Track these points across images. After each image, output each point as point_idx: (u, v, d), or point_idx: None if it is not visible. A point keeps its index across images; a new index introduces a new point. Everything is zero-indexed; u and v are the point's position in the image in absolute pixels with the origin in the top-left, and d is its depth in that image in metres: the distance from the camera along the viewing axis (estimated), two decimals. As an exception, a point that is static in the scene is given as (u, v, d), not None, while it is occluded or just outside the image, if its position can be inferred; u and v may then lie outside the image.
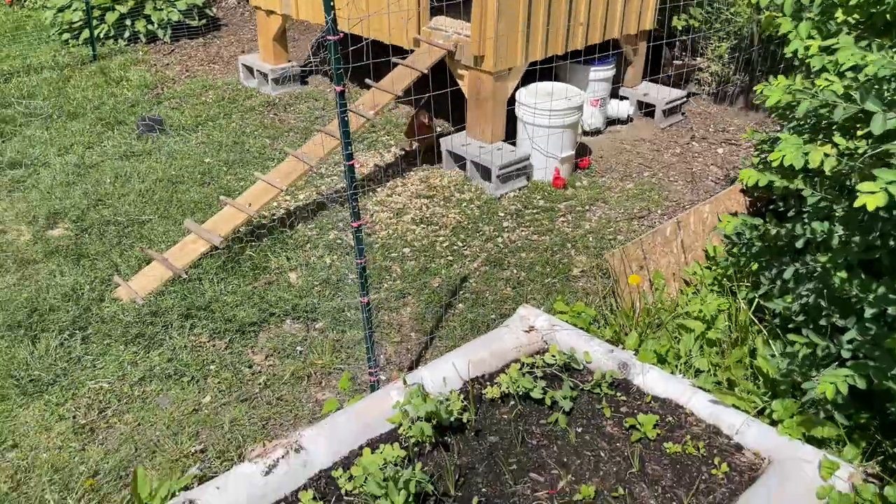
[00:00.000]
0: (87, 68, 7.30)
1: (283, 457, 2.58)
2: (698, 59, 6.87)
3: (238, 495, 2.44)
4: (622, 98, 5.98)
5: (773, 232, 3.00)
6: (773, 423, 2.79)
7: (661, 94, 5.87)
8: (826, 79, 2.63)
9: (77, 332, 3.59)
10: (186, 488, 2.52)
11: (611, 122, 5.96)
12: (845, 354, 2.53)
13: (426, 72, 4.77)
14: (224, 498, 2.41)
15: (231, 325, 3.63)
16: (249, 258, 4.18)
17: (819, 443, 2.69)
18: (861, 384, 2.35)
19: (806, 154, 2.58)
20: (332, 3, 2.30)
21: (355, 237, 2.73)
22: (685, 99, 5.99)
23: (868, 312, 2.50)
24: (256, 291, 3.91)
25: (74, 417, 3.10)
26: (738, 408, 2.85)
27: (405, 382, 2.87)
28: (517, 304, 3.80)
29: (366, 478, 2.41)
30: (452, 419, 2.76)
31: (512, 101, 5.05)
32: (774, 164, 2.68)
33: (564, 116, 4.83)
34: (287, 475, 2.56)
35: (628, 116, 5.90)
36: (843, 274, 2.64)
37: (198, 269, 4.02)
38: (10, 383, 3.26)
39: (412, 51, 5.12)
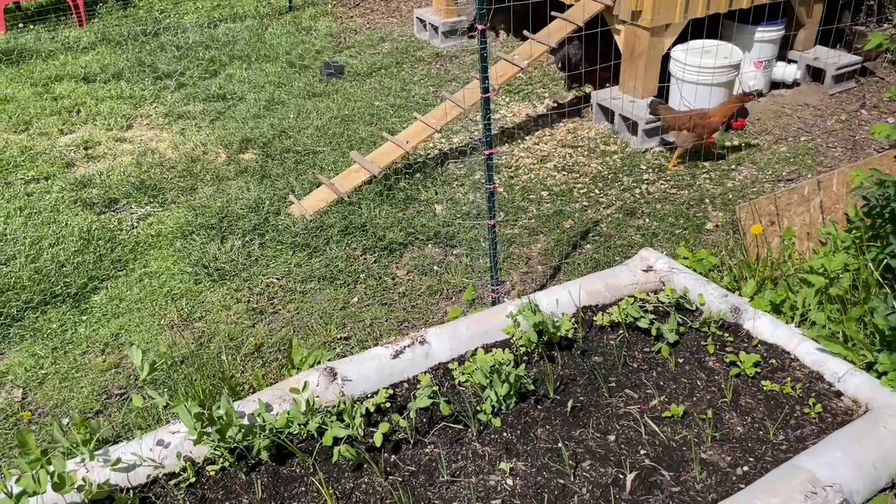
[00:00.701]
0: (282, 18, 8.12)
1: (409, 346, 3.01)
2: (885, 25, 6.44)
3: (369, 370, 2.90)
4: (790, 61, 5.79)
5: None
6: (880, 377, 2.82)
7: (831, 59, 5.62)
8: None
9: (256, 237, 4.24)
10: (330, 361, 3.01)
11: (776, 85, 5.80)
12: (958, 311, 2.52)
13: (582, 25, 4.95)
14: (357, 370, 2.88)
15: (381, 243, 4.12)
16: (403, 189, 4.65)
17: (924, 399, 2.69)
18: (964, 337, 2.36)
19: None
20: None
21: (486, 164, 3.06)
22: (860, 65, 5.68)
23: None
24: (406, 217, 4.37)
25: (248, 302, 3.73)
26: (844, 357, 2.90)
27: (519, 297, 3.18)
28: (644, 249, 3.96)
29: (475, 370, 2.77)
30: (560, 335, 3.05)
31: (667, 59, 5.10)
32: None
33: (718, 75, 4.82)
34: (411, 361, 2.99)
35: (794, 80, 5.70)
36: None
37: (358, 195, 4.55)
38: (202, 270, 3.96)
39: (571, 6, 5.30)
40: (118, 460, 2.49)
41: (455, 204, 4.51)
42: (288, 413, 2.63)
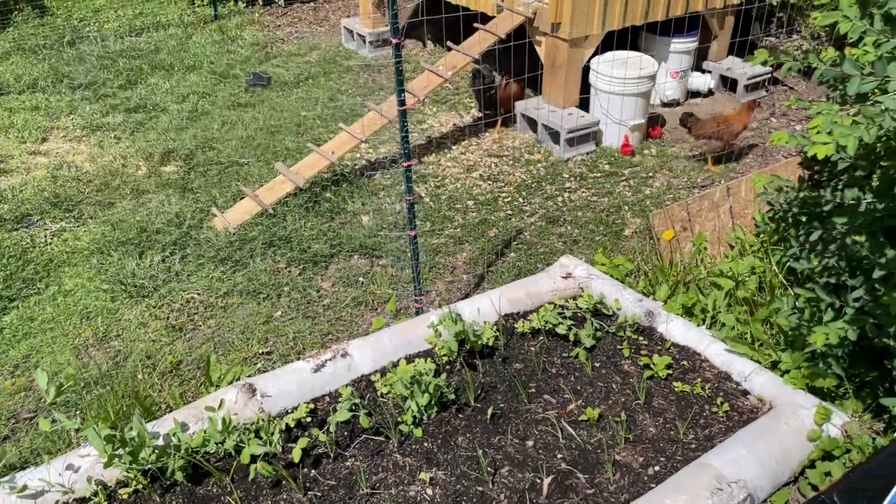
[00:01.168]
0: (208, 27, 7.99)
1: (331, 359, 3.00)
2: (795, 36, 6.76)
3: (289, 385, 2.88)
4: (704, 71, 6.02)
5: (801, 197, 3.12)
6: (783, 375, 2.96)
7: (744, 69, 5.87)
8: (864, 50, 2.73)
9: (177, 251, 4.15)
10: (251, 377, 2.98)
11: (693, 94, 6.01)
12: (849, 312, 2.66)
13: (504, 37, 5.03)
14: (277, 385, 2.86)
15: (306, 255, 4.09)
16: (329, 200, 4.63)
17: (822, 394, 2.84)
18: (852, 336, 2.50)
19: (834, 122, 2.71)
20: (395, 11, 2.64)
21: (405, 176, 3.09)
22: (769, 75, 5.95)
23: (877, 273, 2.63)
24: (332, 229, 4.36)
25: (167, 318, 3.65)
26: (750, 357, 3.03)
27: (440, 307, 3.21)
28: (566, 256, 4.06)
29: (396, 381, 2.78)
30: (479, 344, 3.09)
31: (588, 71, 5.24)
32: (812, 133, 2.82)
33: (635, 85, 4.98)
34: (333, 374, 2.98)
35: (709, 90, 5.93)
36: (861, 238, 2.75)
37: (283, 207, 4.51)
38: (119, 287, 3.85)
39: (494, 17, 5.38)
40: (24, 487, 2.40)
41: (381, 214, 4.51)
42: (204, 432, 2.59)
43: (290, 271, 4.01)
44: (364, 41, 7.04)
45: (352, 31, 7.22)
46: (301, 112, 5.93)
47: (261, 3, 8.65)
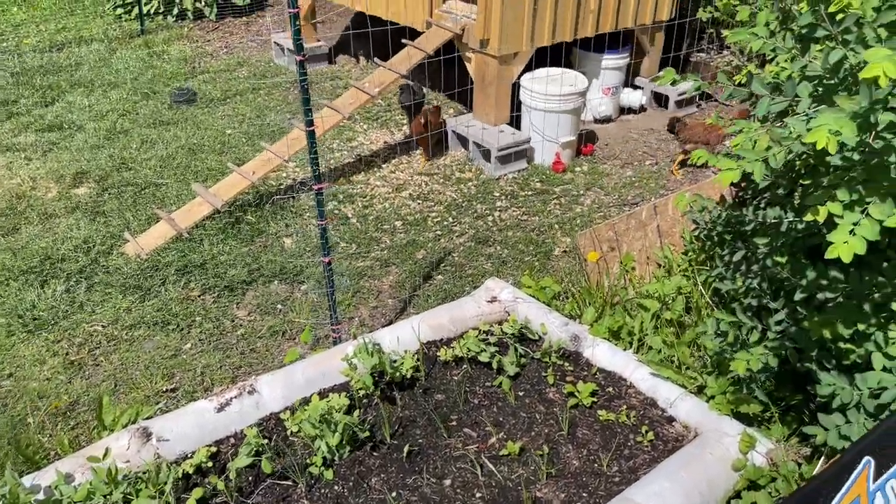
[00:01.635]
0: (133, 42, 7.70)
1: (236, 397, 2.80)
2: (725, 52, 6.83)
3: (189, 427, 2.67)
4: (636, 87, 6.01)
5: (724, 216, 3.06)
6: (709, 400, 2.88)
7: (674, 85, 5.88)
8: (782, 67, 2.69)
9: (83, 280, 3.90)
10: (149, 418, 2.76)
11: (625, 110, 6.00)
12: (771, 336, 2.60)
13: (431, 53, 4.92)
14: (176, 427, 2.65)
15: (221, 282, 3.88)
16: (249, 223, 4.43)
17: (749, 420, 2.76)
18: (773, 363, 2.43)
19: (754, 142, 2.65)
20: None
21: (317, 199, 2.92)
22: (699, 90, 5.97)
23: (798, 296, 2.57)
24: (251, 253, 4.16)
25: (67, 354, 3.40)
26: (675, 382, 2.94)
27: (355, 338, 3.05)
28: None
29: (304, 420, 2.60)
30: (399, 375, 2.93)
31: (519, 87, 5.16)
32: (735, 151, 2.76)
33: (565, 102, 4.92)
34: (239, 414, 2.78)
35: (641, 106, 5.93)
36: (783, 258, 2.70)
37: (200, 230, 4.29)
38: (16, 321, 3.58)
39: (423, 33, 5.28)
40: None
41: (305, 237, 4.33)
42: (90, 483, 2.37)
43: (203, 299, 3.79)
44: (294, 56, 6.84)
45: (282, 47, 7.03)
46: (226, 130, 5.72)
47: (191, 17, 8.39)
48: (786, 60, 2.55)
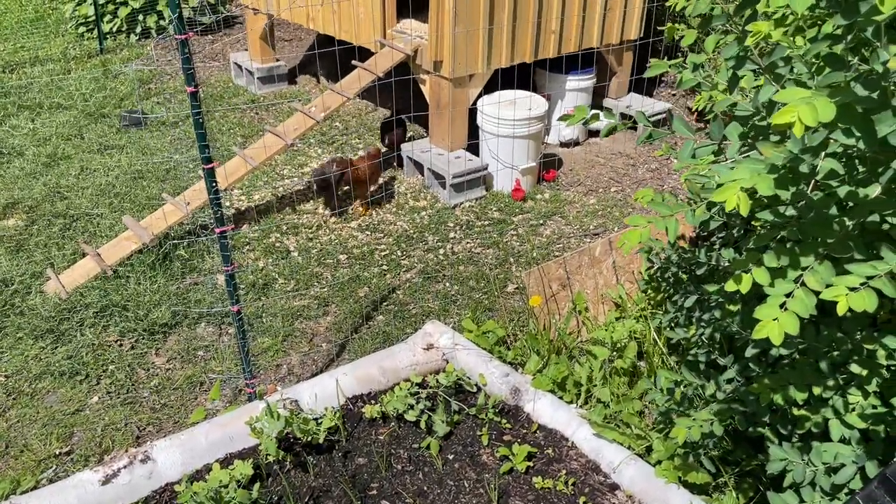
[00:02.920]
0: (91, 62, 7.42)
1: (126, 466, 2.50)
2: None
3: (67, 503, 2.37)
4: (605, 109, 5.75)
5: (675, 258, 2.79)
6: (657, 465, 2.59)
7: (644, 107, 5.63)
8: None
9: (-6, 323, 3.60)
10: (24, 493, 2.46)
11: (593, 133, 5.74)
12: (720, 396, 2.31)
13: (381, 76, 4.66)
14: (51, 505, 2.35)
15: (142, 325, 3.59)
16: (181, 258, 4.13)
17: (699, 489, 2.47)
18: (718, 430, 2.15)
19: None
20: (177, 2, 2.22)
21: (220, 244, 2.64)
22: (667, 113, 5.73)
23: (750, 352, 2.28)
24: (180, 291, 3.86)
25: (-41, 410, 3.10)
26: (621, 444, 2.65)
27: (273, 395, 2.76)
28: (440, 318, 3.65)
29: (192, 495, 2.30)
30: (311, 438, 2.64)
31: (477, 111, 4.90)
32: (684, 185, 2.49)
33: (525, 126, 4.66)
34: (128, 486, 2.48)
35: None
36: (735, 307, 2.42)
37: (127, 266, 3.99)
38: (-89, 371, 3.28)
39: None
40: None
41: (241, 272, 4.04)
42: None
43: (121, 345, 3.49)
44: (253, 76, 6.59)
45: (241, 67, 6.76)
46: (174, 155, 5.43)
47: (155, 36, 8.14)
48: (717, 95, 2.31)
